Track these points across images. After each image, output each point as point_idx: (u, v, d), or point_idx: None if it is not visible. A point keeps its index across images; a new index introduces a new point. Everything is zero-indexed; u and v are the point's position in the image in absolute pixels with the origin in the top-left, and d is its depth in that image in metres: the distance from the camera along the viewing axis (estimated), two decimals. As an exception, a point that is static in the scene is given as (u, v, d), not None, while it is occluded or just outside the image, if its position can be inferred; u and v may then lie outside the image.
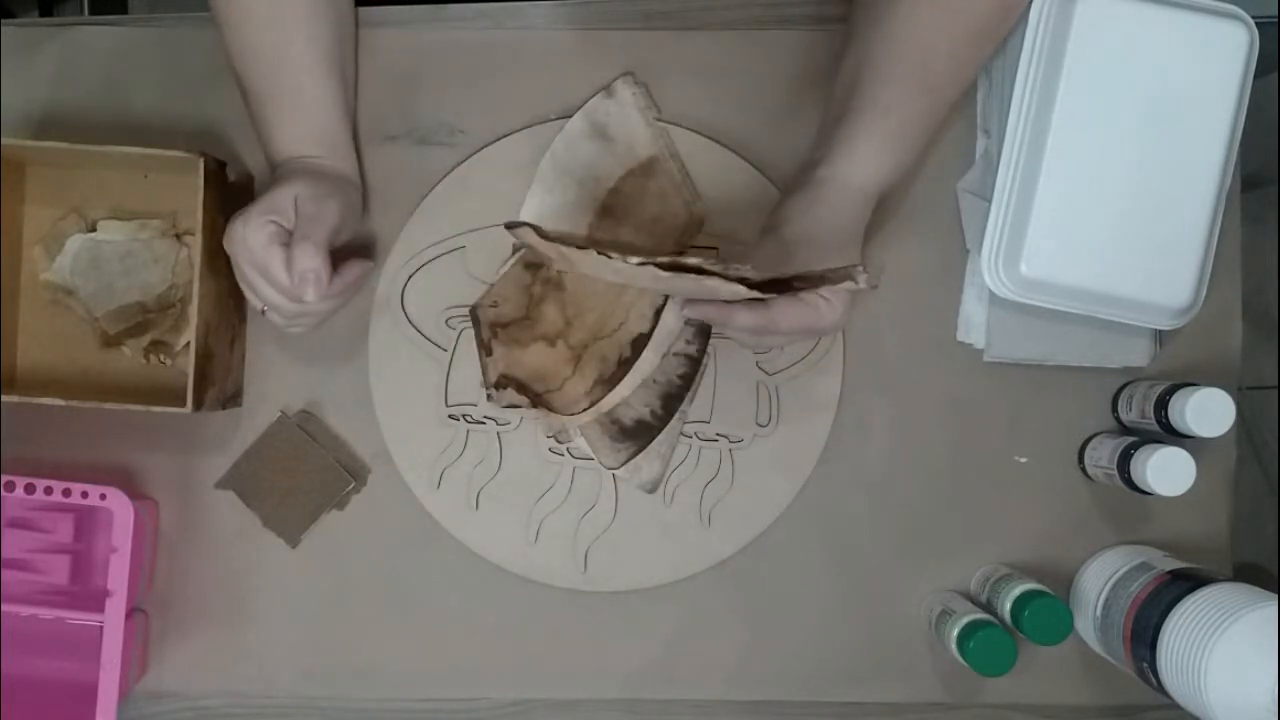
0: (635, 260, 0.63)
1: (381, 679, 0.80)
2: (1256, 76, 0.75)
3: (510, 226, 0.71)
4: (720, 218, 0.79)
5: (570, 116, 0.80)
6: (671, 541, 0.80)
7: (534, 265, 0.79)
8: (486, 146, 0.80)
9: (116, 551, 0.73)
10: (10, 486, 0.74)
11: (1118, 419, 0.80)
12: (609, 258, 0.63)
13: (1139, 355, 0.79)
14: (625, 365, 0.74)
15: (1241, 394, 0.76)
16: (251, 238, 0.66)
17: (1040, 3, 0.74)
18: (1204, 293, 0.76)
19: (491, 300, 0.79)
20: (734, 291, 0.63)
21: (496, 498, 0.80)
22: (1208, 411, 0.72)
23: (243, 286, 0.70)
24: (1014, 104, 0.75)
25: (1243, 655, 0.65)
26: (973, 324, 0.80)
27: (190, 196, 0.72)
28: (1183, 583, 0.70)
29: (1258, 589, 0.68)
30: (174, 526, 0.80)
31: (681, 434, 0.79)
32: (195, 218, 0.72)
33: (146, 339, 0.79)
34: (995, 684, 0.80)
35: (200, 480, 0.80)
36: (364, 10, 0.80)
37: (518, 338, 0.77)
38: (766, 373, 0.79)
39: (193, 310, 0.72)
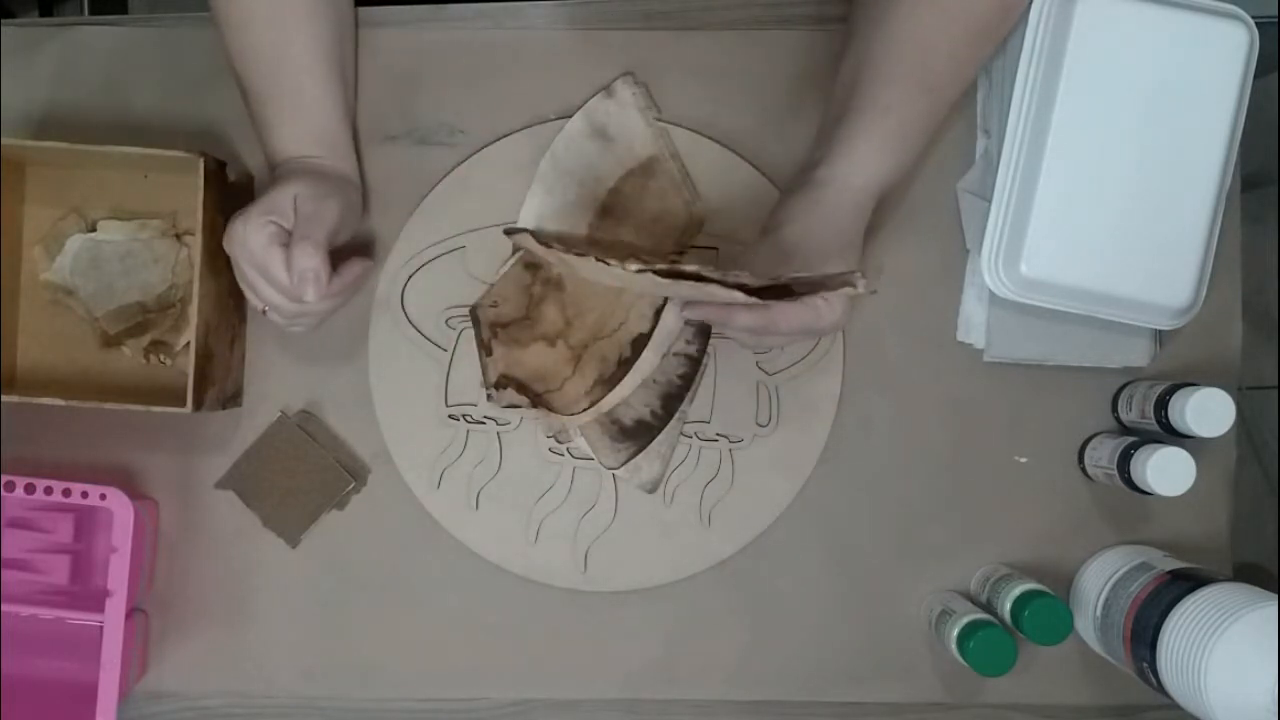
0: (634, 267, 0.63)
1: (381, 679, 0.80)
2: (1256, 76, 0.75)
3: (510, 233, 0.71)
4: (720, 218, 0.79)
5: (570, 116, 0.80)
6: (671, 541, 0.80)
7: (534, 265, 0.79)
8: (486, 146, 0.80)
9: (116, 551, 0.73)
10: (10, 486, 0.74)
11: (1118, 419, 0.80)
12: (608, 264, 0.63)
13: (1139, 355, 0.79)
14: (625, 365, 0.74)
15: (1241, 394, 0.76)
16: (251, 238, 0.66)
17: (1040, 3, 0.74)
18: (1204, 293, 0.76)
19: (491, 300, 0.79)
20: (732, 298, 0.63)
21: (496, 498, 0.80)
22: (1208, 411, 0.72)
23: (243, 286, 0.70)
24: (1014, 104, 0.75)
25: (1243, 655, 0.65)
26: (973, 324, 0.80)
27: (190, 196, 0.72)
28: (1183, 583, 0.70)
29: (1258, 589, 0.68)
30: (174, 526, 0.80)
31: (681, 434, 0.79)
32: (195, 218, 0.72)
33: (146, 339, 0.79)
34: (995, 684, 0.80)
35: (200, 480, 0.80)
36: (364, 10, 0.80)
37: (518, 338, 0.77)
38: (766, 373, 0.79)
39: (193, 310, 0.72)
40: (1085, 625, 0.78)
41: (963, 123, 0.81)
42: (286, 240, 0.67)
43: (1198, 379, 0.76)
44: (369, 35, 0.80)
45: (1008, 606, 0.75)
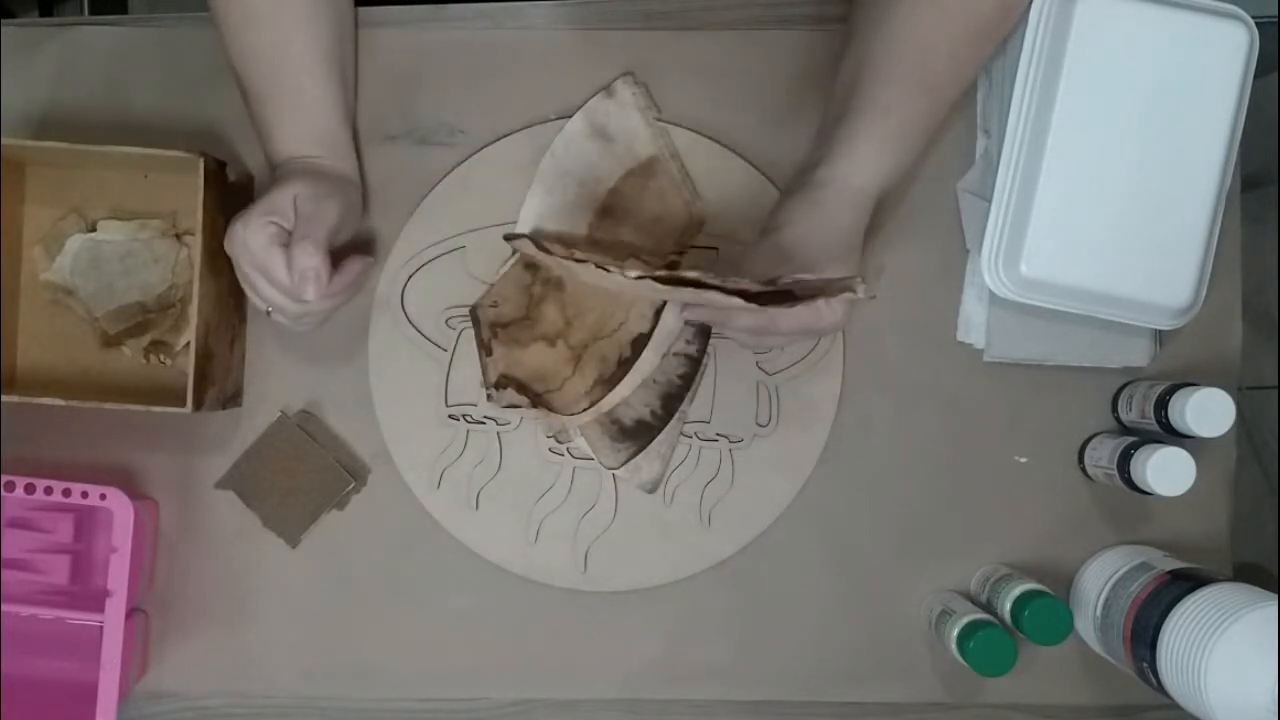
0: (634, 273, 0.63)
1: (381, 679, 0.80)
2: (1256, 76, 0.75)
3: (510, 239, 0.71)
4: (720, 218, 0.79)
5: (570, 116, 0.80)
6: (671, 541, 0.80)
7: (534, 265, 0.79)
8: (486, 146, 0.80)
9: (116, 551, 0.73)
10: (10, 486, 0.74)
11: (1118, 419, 0.80)
12: (608, 271, 0.63)
13: (1139, 355, 0.79)
14: (625, 365, 0.74)
15: (1241, 394, 0.76)
16: (252, 239, 0.66)
17: (1040, 3, 0.74)
18: (1204, 293, 0.76)
19: (491, 300, 0.79)
20: (732, 304, 0.63)
21: (496, 498, 0.80)
22: (1208, 411, 0.72)
23: (245, 288, 0.70)
24: (1014, 104, 0.75)
25: (1243, 655, 0.65)
26: (973, 324, 0.80)
27: (190, 196, 0.72)
28: (1183, 583, 0.70)
29: (1258, 589, 0.68)
30: (174, 526, 0.80)
31: (681, 434, 0.79)
32: (195, 218, 0.72)
33: (146, 339, 0.79)
34: (995, 684, 0.80)
35: (200, 480, 0.80)
36: (364, 10, 0.80)
37: (518, 338, 0.77)
38: (766, 373, 0.79)
39: (193, 310, 0.72)
40: (1085, 625, 0.78)
41: (963, 123, 0.81)
42: (287, 240, 0.67)
43: (1198, 379, 0.76)
44: (369, 35, 0.80)
45: (1008, 606, 0.75)
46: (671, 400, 0.76)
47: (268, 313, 0.71)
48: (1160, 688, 0.70)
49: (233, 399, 0.79)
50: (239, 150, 0.81)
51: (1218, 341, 0.80)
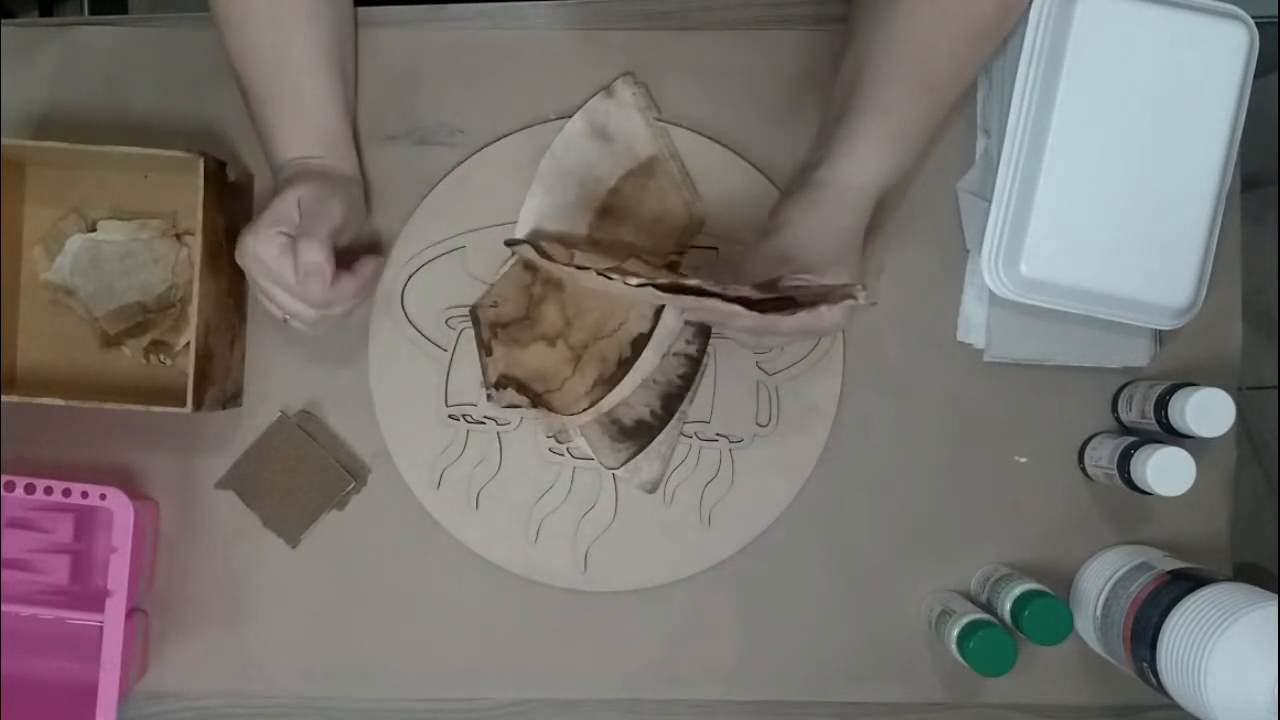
0: (635, 281, 0.63)
1: (381, 679, 0.80)
2: (1256, 76, 0.75)
3: (511, 244, 0.71)
4: (720, 218, 0.79)
5: (570, 116, 0.80)
6: (671, 541, 0.80)
7: (534, 266, 0.79)
8: (486, 146, 0.80)
9: (116, 551, 0.73)
10: (10, 486, 0.74)
11: (1118, 419, 0.80)
12: (609, 278, 0.63)
13: (1139, 355, 0.79)
14: (625, 365, 0.74)
15: (1241, 394, 0.76)
16: (263, 250, 0.66)
17: (1040, 3, 0.74)
18: (1204, 293, 0.76)
19: (491, 300, 0.79)
20: (733, 311, 0.63)
21: (496, 498, 0.80)
22: (1208, 411, 0.72)
23: (260, 298, 0.70)
24: (1014, 104, 0.75)
25: (1243, 655, 0.65)
26: (973, 324, 0.80)
27: (190, 196, 0.72)
28: (1183, 583, 0.70)
29: (1258, 589, 0.68)
30: (174, 526, 0.80)
31: (681, 434, 0.79)
32: (195, 218, 0.72)
33: (146, 339, 0.79)
34: (995, 684, 0.80)
35: (200, 480, 0.80)
36: (364, 10, 0.80)
37: (518, 338, 0.77)
38: (766, 373, 0.79)
39: (193, 310, 0.72)
40: (1085, 625, 0.78)
41: (963, 123, 0.81)
42: None
43: (1198, 379, 0.76)
44: (369, 35, 0.80)
45: (1008, 606, 0.75)
46: (671, 400, 0.76)
47: (285, 320, 0.71)
48: (1160, 688, 0.70)
49: (233, 399, 0.79)
50: (239, 150, 0.81)
51: (1218, 341, 0.80)
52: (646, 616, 0.80)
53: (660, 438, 0.77)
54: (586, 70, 0.80)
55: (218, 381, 0.75)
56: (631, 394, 0.74)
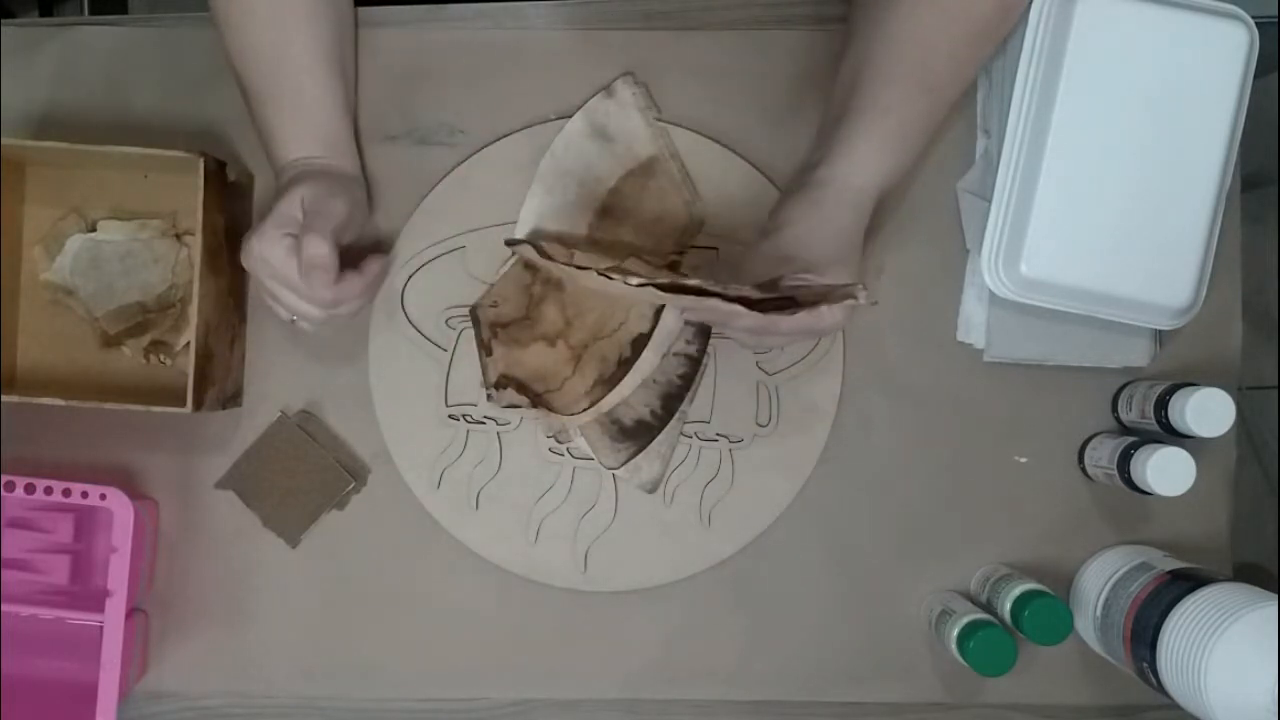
0: (636, 281, 0.63)
1: (381, 679, 0.80)
2: (1256, 76, 0.75)
3: (511, 243, 0.71)
4: (720, 218, 0.79)
5: (570, 116, 0.80)
6: (671, 541, 0.80)
7: (534, 266, 0.79)
8: (486, 146, 0.80)
9: (116, 551, 0.73)
10: (10, 486, 0.74)
11: (1118, 419, 0.80)
12: (610, 278, 0.64)
13: (1139, 355, 0.79)
14: (625, 365, 0.74)
15: (1241, 394, 0.76)
16: (269, 253, 0.66)
17: (1040, 3, 0.74)
18: (1204, 293, 0.76)
19: (491, 300, 0.79)
20: (734, 311, 0.63)
21: (496, 498, 0.80)
22: (1208, 411, 0.72)
23: (268, 300, 0.70)
24: (1014, 104, 0.75)
25: (1243, 655, 0.65)
26: (973, 324, 0.80)
27: (190, 196, 0.72)
28: (1183, 583, 0.70)
29: (1258, 589, 0.68)
30: (174, 526, 0.80)
31: (681, 434, 0.79)
32: (195, 218, 0.72)
33: (146, 339, 0.79)
34: (995, 684, 0.80)
35: (200, 480, 0.80)
36: (364, 10, 0.80)
37: (518, 338, 0.77)
38: (766, 373, 0.79)
39: (193, 310, 0.72)
40: (1085, 625, 0.78)
41: (963, 123, 0.81)
42: None
43: (1198, 379, 0.76)
44: (369, 35, 0.80)
45: (1008, 606, 0.75)
46: (671, 400, 0.76)
47: (292, 321, 0.71)
48: (1160, 688, 0.70)
49: (233, 399, 0.79)
50: (239, 150, 0.81)
51: (1218, 341, 0.80)
52: (646, 616, 0.80)
53: (660, 438, 0.77)
54: (586, 70, 0.80)
55: (218, 381, 0.75)
56: (631, 394, 0.74)
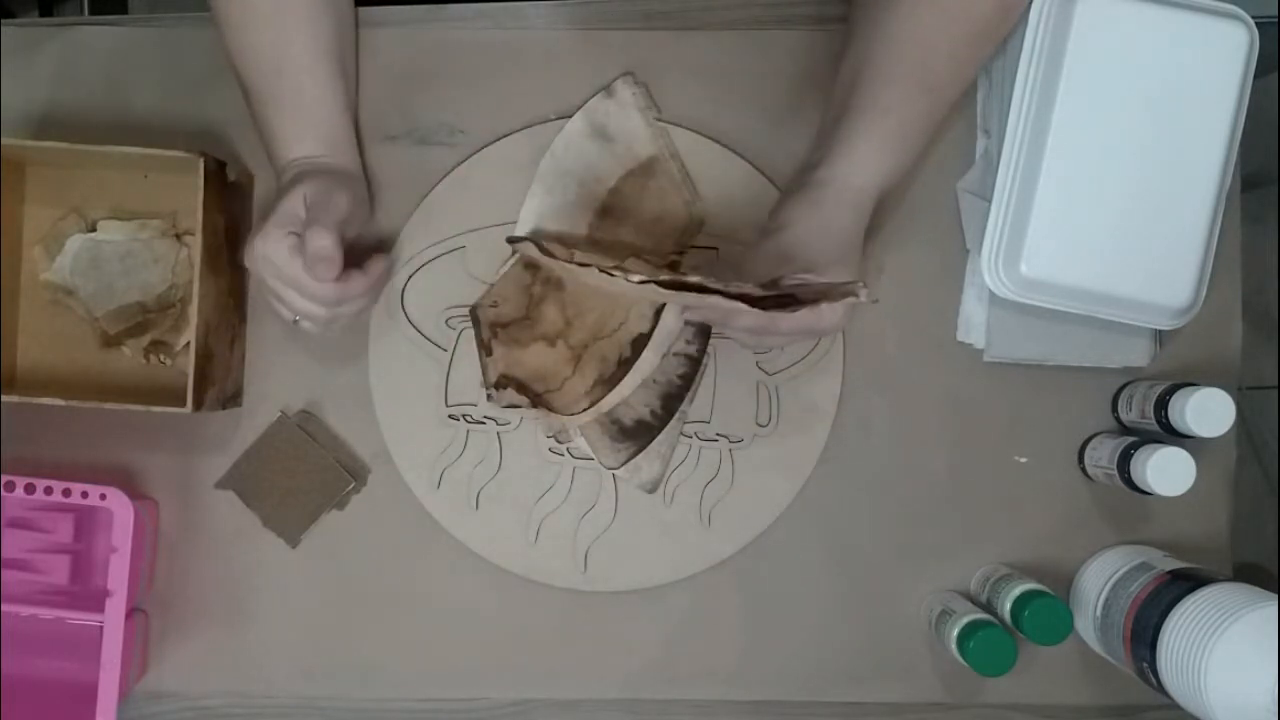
0: (637, 279, 0.63)
1: (381, 679, 0.80)
2: (1256, 76, 0.75)
3: (512, 241, 0.71)
4: (720, 218, 0.79)
5: (570, 116, 0.80)
6: (671, 541, 0.80)
7: (534, 265, 0.78)
8: (486, 146, 0.80)
9: (116, 551, 0.73)
10: (10, 486, 0.74)
11: (1118, 419, 0.80)
12: (611, 275, 0.64)
13: (1139, 355, 0.79)
14: (625, 365, 0.74)
15: (1241, 394, 0.76)
16: (273, 253, 0.66)
17: (1040, 3, 0.74)
18: (1204, 293, 0.76)
19: (491, 300, 0.79)
20: (735, 308, 0.63)
21: (496, 498, 0.80)
22: (1208, 411, 0.72)
23: (271, 300, 0.70)
24: (1014, 104, 0.75)
25: (1243, 655, 0.65)
26: (973, 324, 0.80)
27: (190, 196, 0.72)
28: (1183, 583, 0.70)
29: (1258, 589, 0.68)
30: (174, 526, 0.80)
31: (681, 434, 0.79)
32: (195, 218, 0.72)
33: (146, 339, 0.79)
34: (995, 684, 0.80)
35: (200, 480, 0.80)
36: (364, 10, 0.80)
37: (518, 338, 0.77)
38: (766, 373, 0.79)
39: (193, 310, 0.72)
40: (1085, 625, 0.78)
41: (963, 123, 0.81)
42: None
43: (1198, 379, 0.76)
44: (369, 35, 0.80)
45: (1008, 606, 0.75)
46: (671, 400, 0.76)
47: (295, 322, 0.71)
48: (1160, 688, 0.70)
49: (233, 399, 0.79)
50: (239, 150, 0.81)
51: (1218, 341, 0.80)
52: (646, 616, 0.80)
53: (660, 438, 0.76)
54: (586, 70, 0.80)
55: (218, 381, 0.75)
56: (631, 394, 0.74)
